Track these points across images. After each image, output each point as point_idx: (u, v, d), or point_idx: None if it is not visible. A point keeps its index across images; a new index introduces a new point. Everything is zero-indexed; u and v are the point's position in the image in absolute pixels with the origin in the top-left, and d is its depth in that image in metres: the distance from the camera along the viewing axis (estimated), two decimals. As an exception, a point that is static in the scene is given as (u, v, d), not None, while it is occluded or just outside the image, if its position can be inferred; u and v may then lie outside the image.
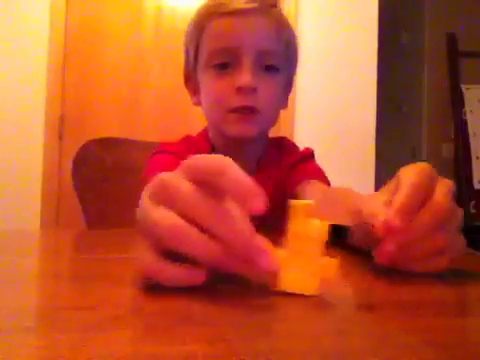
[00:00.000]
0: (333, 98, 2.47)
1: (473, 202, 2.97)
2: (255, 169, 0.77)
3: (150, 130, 2.32)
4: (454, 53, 3.26)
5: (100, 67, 2.36)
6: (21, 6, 2.27)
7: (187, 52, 0.75)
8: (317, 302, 0.25)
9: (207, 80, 0.71)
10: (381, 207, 0.34)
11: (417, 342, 0.17)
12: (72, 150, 1.01)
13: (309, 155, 0.81)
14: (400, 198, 0.32)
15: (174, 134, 0.84)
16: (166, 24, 2.39)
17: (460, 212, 0.36)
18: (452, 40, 3.26)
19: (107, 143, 0.99)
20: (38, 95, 2.27)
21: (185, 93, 0.80)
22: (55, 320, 0.20)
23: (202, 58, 0.71)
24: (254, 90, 0.67)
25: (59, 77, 2.31)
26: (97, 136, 1.04)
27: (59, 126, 2.31)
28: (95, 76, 2.36)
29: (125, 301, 0.24)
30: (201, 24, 0.70)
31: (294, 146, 0.85)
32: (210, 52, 0.69)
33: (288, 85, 0.79)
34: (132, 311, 0.21)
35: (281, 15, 0.73)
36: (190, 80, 0.77)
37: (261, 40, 0.69)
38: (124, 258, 0.40)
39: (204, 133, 0.80)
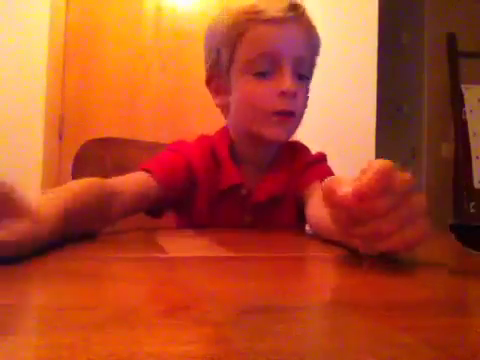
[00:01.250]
0: (333, 98, 2.47)
1: (473, 202, 2.97)
2: (268, 168, 0.79)
3: (150, 130, 2.32)
4: (454, 53, 3.26)
5: (100, 67, 2.36)
6: (21, 6, 2.27)
7: (217, 53, 0.75)
8: (317, 302, 0.25)
9: (245, 85, 0.73)
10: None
11: (416, 342, 0.17)
12: (72, 150, 1.01)
13: (322, 158, 0.84)
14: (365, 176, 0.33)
15: (174, 134, 0.84)
16: (166, 24, 2.39)
17: (423, 197, 0.36)
18: (452, 40, 3.26)
19: (107, 143, 0.99)
20: (38, 95, 2.27)
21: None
22: (55, 320, 0.20)
23: (239, 63, 0.73)
24: (295, 94, 0.70)
25: (59, 77, 2.31)
26: (97, 136, 1.04)
27: (59, 126, 2.31)
28: (95, 76, 2.36)
29: (125, 301, 0.24)
30: (240, 28, 0.71)
31: (307, 150, 0.87)
32: (252, 58, 0.71)
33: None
34: (132, 311, 0.21)
35: (311, 22, 0.76)
36: (214, 80, 0.78)
37: (298, 48, 0.72)
38: (124, 258, 0.40)
39: (223, 133, 0.81)
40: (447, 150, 3.42)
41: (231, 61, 0.74)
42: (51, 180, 2.25)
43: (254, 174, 0.78)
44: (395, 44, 3.73)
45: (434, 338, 0.18)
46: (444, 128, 3.40)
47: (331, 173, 0.80)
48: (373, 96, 2.50)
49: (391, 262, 0.42)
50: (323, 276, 0.35)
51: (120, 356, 0.15)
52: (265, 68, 0.71)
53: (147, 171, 0.70)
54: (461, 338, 0.19)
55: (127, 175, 0.68)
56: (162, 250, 0.46)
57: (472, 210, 2.97)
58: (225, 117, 0.80)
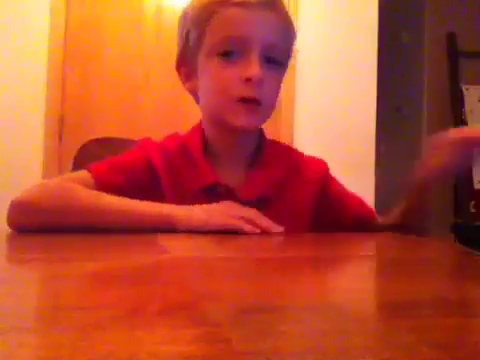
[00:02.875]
0: (333, 98, 2.47)
1: (473, 202, 2.97)
2: (250, 166, 0.77)
3: (150, 130, 2.31)
4: (454, 53, 3.26)
5: (100, 67, 2.36)
6: (21, 6, 2.27)
7: (186, 35, 0.74)
8: (317, 302, 0.25)
9: (211, 68, 0.71)
10: None
11: (417, 342, 0.17)
12: (72, 150, 1.01)
13: (330, 175, 0.84)
14: None
15: (164, 137, 0.83)
16: (166, 24, 2.39)
17: None
18: (452, 40, 3.26)
19: (107, 143, 0.99)
20: (38, 95, 2.27)
21: (185, 93, 0.80)
22: (55, 320, 0.20)
23: (207, 44, 0.71)
24: (261, 82, 0.68)
25: (59, 77, 2.31)
26: (97, 136, 1.04)
27: (59, 126, 2.31)
28: (95, 76, 2.36)
29: (125, 301, 0.24)
30: (211, 10, 0.70)
31: (298, 152, 0.85)
32: (219, 39, 0.70)
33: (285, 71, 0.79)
34: (132, 311, 0.21)
35: (286, 11, 0.75)
36: (184, 65, 0.77)
37: (269, 34, 0.70)
38: (124, 258, 0.40)
39: (196, 128, 0.79)
40: (447, 150, 3.41)
41: (199, 44, 0.72)
42: (51, 180, 2.25)
43: (234, 172, 0.75)
44: (395, 44, 3.73)
45: (434, 338, 0.18)
46: (444, 128, 3.39)
47: (340, 185, 0.84)
48: (373, 96, 2.50)
49: (391, 262, 0.42)
50: (323, 276, 0.35)
51: (120, 356, 0.15)
52: (231, 48, 0.69)
53: (89, 170, 0.70)
54: (461, 338, 0.19)
55: (69, 175, 0.72)
56: (162, 250, 0.46)
57: (472, 210, 2.97)
58: (197, 103, 0.79)
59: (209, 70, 0.72)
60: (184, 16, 0.75)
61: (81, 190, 0.65)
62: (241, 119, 0.70)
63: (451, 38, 3.27)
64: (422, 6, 3.52)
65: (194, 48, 0.73)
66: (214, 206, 0.65)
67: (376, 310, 0.24)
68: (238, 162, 0.77)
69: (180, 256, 0.42)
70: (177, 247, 0.49)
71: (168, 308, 0.22)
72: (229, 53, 0.69)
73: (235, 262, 0.39)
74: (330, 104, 2.46)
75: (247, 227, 0.60)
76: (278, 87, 0.74)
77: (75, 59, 2.34)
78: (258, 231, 0.60)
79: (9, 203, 0.65)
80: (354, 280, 0.33)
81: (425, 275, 0.35)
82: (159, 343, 0.17)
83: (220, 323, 0.20)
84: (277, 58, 0.72)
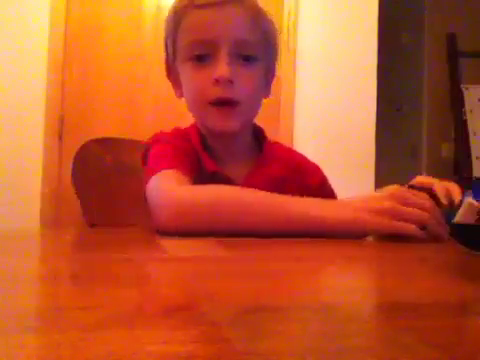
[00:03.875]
0: (333, 98, 2.47)
1: (469, 191, 2.96)
2: (249, 159, 0.77)
3: (150, 130, 2.31)
4: (454, 53, 3.26)
5: (100, 67, 2.36)
6: (21, 6, 2.27)
7: (165, 44, 0.75)
8: (317, 302, 0.25)
9: (186, 72, 0.71)
10: None
11: (417, 342, 0.17)
12: (72, 150, 1.01)
13: (325, 179, 0.83)
14: None
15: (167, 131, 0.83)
16: (166, 24, 2.39)
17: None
18: (452, 40, 3.26)
19: (107, 143, 0.99)
20: (38, 95, 2.27)
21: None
22: (55, 320, 0.20)
23: (180, 51, 0.71)
24: (231, 82, 0.67)
25: (59, 77, 2.31)
26: (97, 136, 1.04)
27: (59, 126, 2.31)
28: (95, 76, 2.36)
29: (125, 301, 0.24)
30: (177, 17, 0.70)
31: (297, 153, 0.86)
32: (187, 44, 0.69)
33: (269, 73, 0.78)
34: (132, 311, 0.21)
35: (256, 4, 0.73)
36: (170, 73, 0.77)
37: (237, 30, 0.69)
38: (124, 258, 0.40)
39: (194, 125, 0.79)
40: (447, 150, 3.42)
41: (174, 51, 0.72)
42: (51, 180, 2.25)
43: (232, 166, 0.75)
44: (395, 44, 3.73)
45: (434, 338, 0.18)
46: (444, 128, 3.39)
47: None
48: (373, 96, 2.50)
49: (391, 262, 0.42)
50: (323, 276, 0.35)
51: (120, 356, 0.15)
52: (200, 52, 0.68)
53: (172, 168, 0.65)
54: (461, 338, 0.19)
55: (167, 178, 0.63)
56: (162, 250, 0.46)
57: (472, 210, 2.96)
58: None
59: (185, 75, 0.72)
60: (164, 27, 0.75)
61: (234, 189, 0.60)
62: (218, 123, 0.69)
63: (451, 38, 3.27)
64: (422, 6, 3.52)
65: (172, 55, 0.74)
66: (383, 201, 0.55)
67: (376, 310, 0.24)
68: (235, 157, 0.76)
69: (180, 256, 0.42)
70: (177, 247, 0.49)
71: (168, 308, 0.22)
72: (200, 57, 0.69)
73: (235, 262, 0.39)
74: (330, 104, 2.46)
75: (420, 233, 0.54)
76: (255, 83, 0.72)
77: (75, 59, 2.34)
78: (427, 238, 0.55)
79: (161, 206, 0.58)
80: (354, 280, 0.33)
81: (425, 275, 0.35)
82: (159, 343, 0.17)
83: (220, 323, 0.20)
84: (251, 54, 0.70)
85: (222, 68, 0.66)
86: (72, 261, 0.38)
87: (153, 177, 0.64)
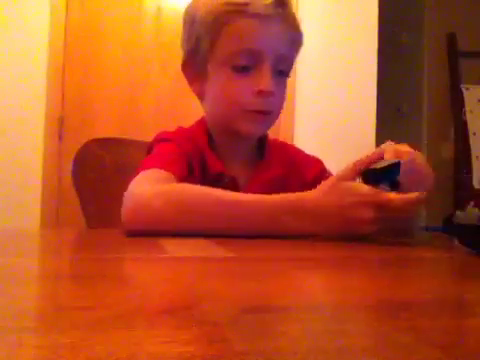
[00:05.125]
0: (333, 98, 2.47)
1: (473, 202, 2.97)
2: (252, 157, 0.79)
3: (150, 130, 2.31)
4: (454, 53, 3.26)
5: (100, 67, 2.36)
6: (21, 6, 2.27)
7: (197, 40, 0.73)
8: (317, 302, 0.25)
9: (223, 78, 0.71)
10: None
11: (416, 342, 0.17)
12: (72, 150, 1.01)
13: (324, 169, 0.84)
14: None
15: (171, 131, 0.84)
16: (166, 24, 2.39)
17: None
18: (452, 40, 3.26)
19: (107, 143, 0.99)
20: (38, 95, 2.27)
21: (185, 93, 0.80)
22: (55, 320, 0.20)
23: (219, 54, 0.71)
24: (273, 94, 0.69)
25: (59, 77, 2.31)
26: (97, 136, 1.04)
27: (59, 126, 2.31)
28: (95, 76, 2.36)
29: (125, 301, 0.24)
30: (223, 19, 0.69)
31: (300, 151, 0.86)
32: (232, 51, 0.70)
33: None
34: (132, 311, 0.21)
35: (295, 18, 0.75)
36: (192, 67, 0.76)
37: (281, 47, 0.71)
38: (124, 258, 0.40)
39: (201, 125, 0.80)
40: (447, 150, 3.42)
41: (210, 52, 0.72)
42: (51, 180, 2.25)
43: (237, 164, 0.76)
44: (395, 44, 3.73)
45: (434, 338, 0.18)
46: (444, 128, 3.39)
47: None
48: (373, 96, 2.50)
49: (391, 262, 0.42)
50: (323, 277, 0.35)
51: (120, 356, 0.15)
52: (245, 63, 0.69)
53: (160, 168, 0.66)
54: (461, 338, 0.19)
55: (153, 176, 0.64)
56: (162, 250, 0.46)
57: (472, 210, 2.96)
58: (201, 103, 0.79)
59: (219, 80, 0.72)
60: (192, 19, 0.73)
61: (201, 188, 0.60)
62: (249, 126, 0.72)
63: (451, 38, 3.27)
64: (422, 6, 3.52)
65: (204, 54, 0.73)
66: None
67: (376, 310, 0.24)
68: (240, 156, 0.78)
69: (180, 256, 0.42)
70: (177, 247, 0.49)
71: (168, 308, 0.22)
72: (242, 66, 0.70)
73: (235, 262, 0.39)
74: (330, 104, 2.46)
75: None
76: (285, 96, 0.76)
77: (75, 59, 2.34)
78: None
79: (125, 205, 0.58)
80: (354, 280, 0.33)
81: (425, 275, 0.35)
82: (159, 343, 0.17)
83: (220, 323, 0.20)
84: (286, 70, 0.74)
85: (268, 81, 0.69)
86: (72, 261, 0.38)
87: (138, 174, 0.65)
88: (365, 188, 0.54)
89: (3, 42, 2.25)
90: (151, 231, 0.54)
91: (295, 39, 0.75)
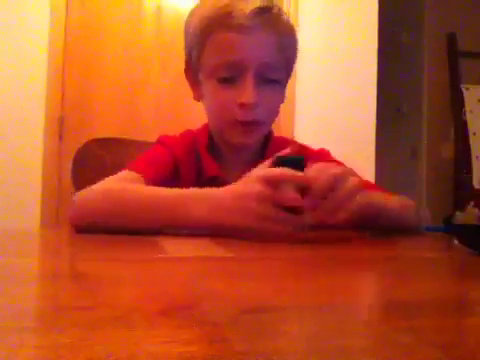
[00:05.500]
0: (333, 98, 2.47)
1: (473, 202, 2.97)
2: (255, 160, 0.78)
3: (150, 130, 2.31)
4: (454, 53, 3.26)
5: (100, 67, 2.36)
6: (21, 6, 2.26)
7: (189, 51, 0.75)
8: (317, 302, 0.25)
9: (210, 89, 0.73)
10: None
11: (416, 342, 0.17)
12: (72, 150, 1.01)
13: (327, 153, 0.87)
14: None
15: (174, 134, 0.85)
16: (166, 24, 2.39)
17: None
18: (452, 40, 3.26)
19: (107, 143, 0.99)
20: (38, 95, 2.27)
21: (185, 93, 0.81)
22: (55, 320, 0.20)
23: (206, 66, 0.73)
24: (256, 105, 0.69)
25: (59, 77, 2.31)
26: (97, 136, 1.04)
27: (59, 126, 2.31)
28: (95, 76, 2.35)
29: (125, 301, 0.24)
30: (206, 32, 0.70)
31: (304, 147, 0.88)
32: (215, 64, 0.71)
33: (286, 84, 0.80)
34: (132, 311, 0.21)
35: (287, 25, 0.74)
36: (191, 74, 0.79)
37: (264, 55, 0.70)
38: (124, 258, 0.40)
39: (205, 125, 0.82)
40: (447, 150, 3.42)
41: (199, 63, 0.74)
42: (51, 180, 2.25)
43: (238, 167, 0.75)
44: (395, 44, 3.73)
45: (434, 338, 0.18)
46: (444, 128, 3.39)
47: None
48: (373, 96, 2.50)
49: (391, 262, 0.42)
50: (323, 276, 0.35)
51: (120, 356, 0.15)
52: (227, 74, 0.70)
53: (135, 171, 0.70)
54: (461, 338, 0.19)
55: (119, 177, 0.69)
56: (162, 250, 0.46)
57: (472, 210, 2.96)
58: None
59: (208, 91, 0.74)
60: (187, 30, 0.75)
61: (138, 187, 0.64)
62: (239, 138, 0.73)
63: (451, 38, 3.27)
64: (422, 6, 3.51)
65: (195, 65, 0.75)
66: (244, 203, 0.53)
67: (376, 310, 0.24)
68: (242, 157, 0.79)
69: (180, 256, 0.42)
70: (177, 247, 0.49)
71: (168, 308, 0.22)
72: (225, 77, 0.70)
73: (235, 262, 0.39)
74: (330, 104, 2.46)
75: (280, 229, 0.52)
76: (277, 105, 0.76)
77: (75, 59, 2.34)
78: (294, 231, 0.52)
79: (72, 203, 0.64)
80: (354, 280, 0.33)
81: (425, 275, 0.35)
82: (159, 343, 0.17)
83: (220, 323, 0.20)
84: (275, 77, 0.72)
85: (249, 93, 0.68)
86: (72, 261, 0.38)
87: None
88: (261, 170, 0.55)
89: (3, 42, 2.25)
90: (90, 227, 0.58)
91: (284, 44, 0.72)
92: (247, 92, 0.68)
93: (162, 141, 0.79)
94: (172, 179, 0.74)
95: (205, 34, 0.70)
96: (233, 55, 0.69)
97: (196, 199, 0.56)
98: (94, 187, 0.65)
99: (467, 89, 3.22)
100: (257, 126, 0.72)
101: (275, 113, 0.76)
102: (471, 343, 0.18)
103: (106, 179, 0.68)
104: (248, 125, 0.71)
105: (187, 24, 0.76)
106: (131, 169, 0.70)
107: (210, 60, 0.71)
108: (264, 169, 0.55)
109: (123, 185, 0.64)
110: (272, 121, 0.77)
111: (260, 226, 0.52)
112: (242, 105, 0.69)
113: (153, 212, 0.57)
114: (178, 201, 0.57)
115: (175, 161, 0.76)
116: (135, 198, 0.60)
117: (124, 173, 0.70)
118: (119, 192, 0.62)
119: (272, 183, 0.52)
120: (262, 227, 0.52)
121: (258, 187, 0.52)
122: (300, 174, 0.51)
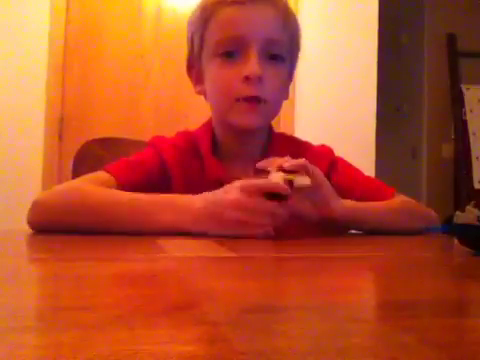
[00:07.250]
0: (333, 98, 2.47)
1: (473, 202, 2.96)
2: (259, 159, 0.77)
3: (150, 130, 2.31)
4: (454, 53, 3.26)
5: (100, 67, 2.36)
6: (21, 6, 2.26)
7: (192, 39, 0.75)
8: (317, 302, 0.25)
9: (213, 68, 0.72)
10: None
11: (416, 342, 0.17)
12: (72, 150, 1.01)
13: (335, 158, 0.85)
14: None
15: (174, 134, 0.84)
16: (166, 24, 2.39)
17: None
18: (452, 40, 3.26)
19: (107, 143, 0.99)
20: (38, 95, 2.27)
21: (185, 93, 0.81)
22: (55, 320, 0.20)
23: (208, 46, 0.72)
24: (260, 79, 0.68)
25: (59, 77, 2.31)
26: (97, 136, 1.04)
27: (59, 126, 2.31)
28: (95, 76, 2.36)
29: (125, 301, 0.24)
30: (208, 12, 0.71)
31: (307, 144, 0.86)
32: (217, 41, 0.70)
33: (289, 76, 0.79)
34: (132, 311, 0.21)
35: (287, 6, 0.74)
36: (193, 68, 0.78)
37: (268, 29, 0.70)
38: (124, 258, 0.40)
39: (207, 126, 0.80)
40: (447, 150, 3.42)
41: (201, 47, 0.73)
42: (51, 180, 2.25)
43: (243, 168, 0.74)
44: (395, 44, 3.73)
45: (434, 338, 0.18)
46: (444, 128, 3.39)
47: (351, 168, 0.85)
48: (373, 96, 2.50)
49: (391, 262, 0.42)
50: (323, 276, 0.35)
51: (120, 356, 0.15)
52: (232, 49, 0.69)
53: (108, 172, 0.70)
54: (461, 338, 0.19)
55: (89, 176, 0.69)
56: (162, 250, 0.46)
57: (472, 210, 2.96)
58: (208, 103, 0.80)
59: (211, 71, 0.73)
60: (189, 20, 0.76)
61: (96, 189, 0.64)
62: (243, 118, 0.70)
63: (451, 38, 3.27)
64: (422, 6, 3.52)
65: (197, 51, 0.74)
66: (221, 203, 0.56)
67: (376, 310, 0.24)
68: (247, 159, 0.76)
69: (180, 256, 0.42)
70: (177, 247, 0.49)
71: (168, 308, 0.22)
72: (229, 53, 0.70)
73: (235, 262, 0.39)
74: (330, 104, 2.46)
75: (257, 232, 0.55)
76: (280, 82, 0.73)
77: (75, 60, 2.34)
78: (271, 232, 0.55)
79: (31, 203, 0.63)
80: (354, 280, 0.33)
81: (425, 275, 0.35)
82: (159, 343, 0.17)
83: (220, 323, 0.20)
84: (279, 53, 0.71)
85: (253, 66, 0.67)
86: (72, 261, 0.38)
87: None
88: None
89: (3, 42, 2.25)
90: (44, 227, 0.59)
91: (285, 22, 0.73)
92: (251, 64, 0.68)
93: (153, 143, 0.78)
94: (159, 183, 0.72)
95: (207, 14, 0.71)
96: (236, 30, 0.69)
97: (164, 204, 0.58)
98: (56, 187, 0.67)
99: (467, 89, 3.22)
100: (260, 104, 0.70)
101: (278, 93, 0.74)
102: (471, 343, 0.18)
103: (78, 179, 0.69)
104: (250, 101, 0.69)
105: (190, 16, 0.76)
106: (107, 170, 0.70)
107: (214, 37, 0.71)
108: (248, 180, 0.58)
109: (87, 189, 0.64)
110: (275, 103, 0.74)
111: (227, 231, 0.55)
112: (246, 78, 0.68)
113: (105, 215, 0.59)
114: (136, 205, 0.59)
115: (162, 164, 0.74)
116: (91, 199, 0.61)
117: (97, 173, 0.70)
118: (76, 191, 0.63)
119: (250, 192, 0.55)
120: (229, 232, 0.54)
121: (235, 194, 0.55)
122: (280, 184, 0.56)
